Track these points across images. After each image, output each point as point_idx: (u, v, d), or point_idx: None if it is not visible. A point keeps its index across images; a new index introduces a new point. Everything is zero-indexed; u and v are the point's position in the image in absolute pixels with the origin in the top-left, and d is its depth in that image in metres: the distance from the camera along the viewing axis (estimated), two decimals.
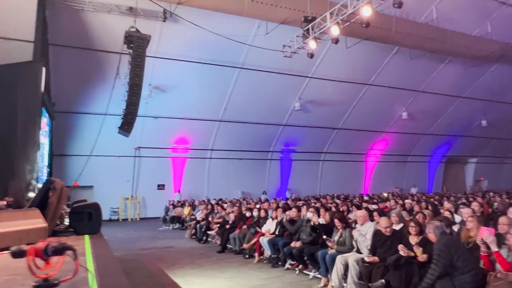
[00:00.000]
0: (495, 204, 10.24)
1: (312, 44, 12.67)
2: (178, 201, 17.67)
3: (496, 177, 29.94)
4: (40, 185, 6.33)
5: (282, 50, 14.46)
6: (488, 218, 6.74)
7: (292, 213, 8.11)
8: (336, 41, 12.02)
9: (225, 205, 13.30)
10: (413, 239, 5.02)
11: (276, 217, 8.63)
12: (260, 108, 18.83)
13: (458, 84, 21.48)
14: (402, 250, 4.76)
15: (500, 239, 4.28)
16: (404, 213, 8.50)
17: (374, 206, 10.05)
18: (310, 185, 22.80)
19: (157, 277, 7.28)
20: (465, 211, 6.52)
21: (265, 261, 8.18)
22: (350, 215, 8.43)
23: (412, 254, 4.68)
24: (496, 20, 17.53)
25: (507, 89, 23.12)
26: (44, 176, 9.82)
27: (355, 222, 6.74)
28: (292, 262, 7.47)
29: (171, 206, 16.99)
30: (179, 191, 19.77)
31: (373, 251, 5.48)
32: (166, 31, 14.51)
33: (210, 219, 11.96)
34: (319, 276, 6.48)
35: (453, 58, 19.12)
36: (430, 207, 9.07)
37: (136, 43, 11.87)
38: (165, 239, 12.34)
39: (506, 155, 30.28)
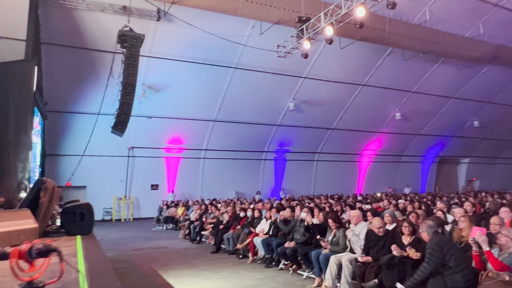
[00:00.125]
0: (487, 204, 10.34)
1: (306, 45, 12.70)
2: (172, 201, 17.60)
3: (488, 177, 30.27)
4: (32, 185, 6.26)
5: (276, 50, 14.48)
6: (480, 218, 6.81)
7: (286, 213, 8.12)
8: (330, 41, 12.06)
9: (219, 205, 13.29)
10: (406, 239, 5.05)
11: (270, 217, 8.64)
12: (254, 108, 18.83)
13: (450, 85, 21.67)
14: (395, 250, 4.78)
15: (492, 239, 4.33)
16: (397, 213, 8.57)
17: (368, 206, 10.09)
18: (304, 185, 22.86)
19: (150, 278, 7.24)
20: (457, 211, 6.57)
21: (259, 261, 8.18)
22: (343, 215, 8.46)
23: (405, 254, 4.70)
24: (488, 21, 17.70)
25: (498, 90, 23.38)
26: (36, 176, 9.72)
27: (349, 222, 6.77)
28: (286, 262, 7.47)
29: (164, 206, 16.92)
30: (172, 191, 19.70)
31: (366, 251, 5.50)
32: (160, 30, 14.45)
33: (204, 219, 11.93)
34: (313, 276, 6.49)
35: (445, 59, 19.28)
36: (423, 207, 9.14)
37: (130, 43, 11.79)
38: (159, 239, 12.29)
39: (498, 155, 30.62)
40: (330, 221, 6.48)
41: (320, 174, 23.58)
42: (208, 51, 15.52)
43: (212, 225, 10.93)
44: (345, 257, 5.70)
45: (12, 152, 6.71)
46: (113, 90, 13.22)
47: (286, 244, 7.19)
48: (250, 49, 15.31)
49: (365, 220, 6.54)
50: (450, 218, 7.20)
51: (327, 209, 9.33)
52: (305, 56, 13.36)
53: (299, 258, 6.98)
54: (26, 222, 3.12)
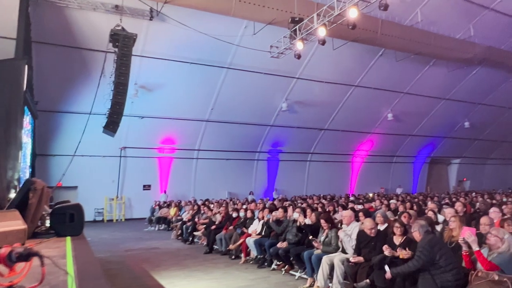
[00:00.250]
0: (477, 204, 10.45)
1: (299, 45, 12.73)
2: (164, 202, 17.52)
3: (478, 178, 30.63)
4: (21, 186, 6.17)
5: (269, 50, 14.49)
6: (471, 218, 6.87)
7: (279, 213, 8.13)
8: (323, 42, 12.10)
9: (211, 206, 13.25)
10: (397, 239, 5.08)
11: (263, 218, 8.63)
12: (247, 108, 18.83)
13: (442, 86, 21.88)
14: (386, 250, 4.80)
15: (482, 239, 4.37)
16: (389, 213, 8.62)
17: (360, 207, 10.13)
18: (297, 186, 22.90)
19: (142, 279, 7.19)
20: (448, 211, 6.63)
21: (251, 262, 8.17)
22: (336, 215, 8.49)
23: (397, 254, 4.73)
24: (478, 23, 17.91)
25: (488, 91, 23.67)
26: (26, 176, 9.59)
27: (341, 222, 6.79)
28: (278, 263, 7.47)
29: (157, 207, 16.83)
30: (165, 192, 19.61)
31: (357, 251, 5.52)
32: (153, 30, 14.38)
33: (196, 220, 11.89)
34: (305, 276, 6.50)
35: (437, 61, 19.46)
36: (415, 207, 9.21)
37: (122, 42, 11.69)
38: (151, 240, 12.22)
39: (488, 156, 30.99)
40: (322, 221, 6.50)
41: (313, 175, 23.65)
42: (201, 51, 15.48)
43: (204, 225, 10.89)
44: (337, 257, 5.71)
45: (1, 152, 6.61)
46: (105, 90, 13.10)
47: (279, 245, 7.20)
48: (243, 50, 15.30)
49: (357, 220, 6.57)
50: (440, 218, 7.26)
51: (319, 209, 9.35)
52: (298, 56, 13.39)
53: (291, 258, 6.99)
54: (15, 223, 3.07)
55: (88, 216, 17.36)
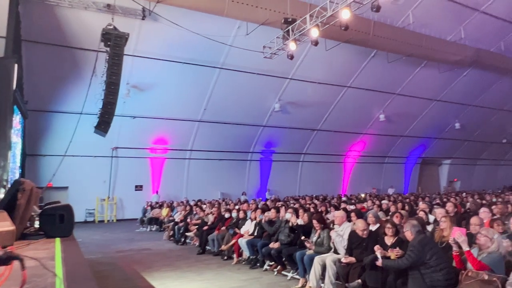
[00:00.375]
0: (468, 204, 10.56)
1: (292, 46, 12.75)
2: (156, 202, 17.42)
3: (468, 178, 30.99)
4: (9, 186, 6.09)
5: (262, 51, 14.49)
6: (461, 218, 6.95)
7: (271, 214, 8.13)
8: (315, 43, 12.13)
9: (204, 206, 13.20)
10: (388, 240, 5.11)
11: (255, 218, 8.63)
12: (240, 108, 18.80)
13: (433, 87, 22.08)
14: (378, 251, 4.82)
15: (472, 239, 4.41)
16: (380, 214, 8.67)
17: (352, 207, 10.18)
18: (290, 186, 22.93)
19: (133, 280, 7.14)
20: (438, 211, 6.68)
21: (243, 263, 8.15)
22: (328, 216, 8.51)
23: (388, 254, 4.75)
24: (469, 26, 18.12)
25: (479, 93, 23.95)
26: (16, 176, 9.47)
27: (333, 222, 6.81)
28: (270, 263, 7.47)
29: (149, 207, 16.73)
30: (157, 192, 19.50)
31: (349, 251, 5.53)
32: (145, 29, 14.29)
33: (188, 220, 11.83)
34: (297, 277, 6.51)
35: (428, 62, 19.63)
36: (406, 207, 9.28)
37: (114, 41, 11.59)
38: (142, 241, 12.14)
39: (478, 156, 31.36)
40: (314, 222, 6.51)
41: (305, 175, 23.70)
42: (194, 51, 15.42)
43: (196, 226, 10.85)
44: (329, 257, 5.73)
45: None
46: (96, 89, 12.99)
47: (271, 245, 7.20)
48: (236, 50, 15.27)
49: (349, 220, 6.59)
50: (431, 218, 7.32)
51: (312, 209, 9.38)
52: (291, 57, 13.41)
53: (283, 259, 6.99)
54: (3, 224, 3.02)
55: (79, 216, 17.18)
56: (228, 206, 12.01)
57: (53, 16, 12.98)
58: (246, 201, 14.84)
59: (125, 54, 12.34)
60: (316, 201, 13.71)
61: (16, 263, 1.56)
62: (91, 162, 17.43)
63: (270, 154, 22.57)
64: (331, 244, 6.11)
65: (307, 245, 6.33)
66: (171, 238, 12.03)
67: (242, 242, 8.11)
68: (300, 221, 7.22)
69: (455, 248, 4.27)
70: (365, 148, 25.30)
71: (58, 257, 2.43)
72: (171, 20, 12.97)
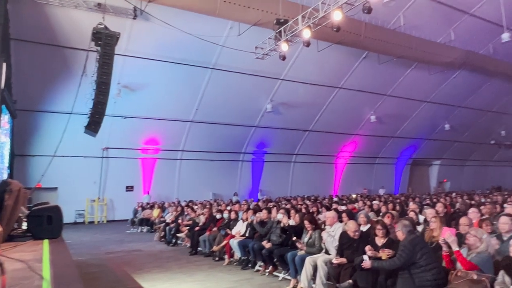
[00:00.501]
0: (457, 204, 10.67)
1: (284, 47, 12.76)
2: (147, 203, 17.30)
3: (457, 179, 31.37)
4: None
5: (254, 51, 14.48)
6: (451, 218, 7.01)
7: (263, 214, 8.12)
8: (307, 44, 12.16)
9: (195, 207, 13.15)
10: (379, 240, 5.13)
11: (247, 219, 8.61)
12: (232, 109, 18.78)
13: (423, 89, 22.31)
14: (369, 251, 4.84)
15: (461, 239, 4.45)
16: (371, 214, 8.72)
17: (343, 207, 10.22)
18: (282, 187, 22.97)
19: (123, 282, 7.07)
20: (429, 212, 6.74)
21: (235, 263, 8.13)
22: (319, 216, 8.53)
23: (379, 255, 4.78)
24: (458, 28, 18.35)
25: (468, 94, 24.27)
26: (4, 177, 9.33)
27: (325, 223, 6.82)
28: (262, 264, 7.45)
29: (139, 208, 16.60)
30: (148, 193, 19.37)
31: (340, 252, 5.55)
32: (136, 29, 14.19)
33: (179, 221, 11.77)
34: (289, 277, 6.50)
35: (419, 64, 19.83)
36: (397, 208, 9.35)
37: (105, 41, 11.48)
38: (133, 242, 12.04)
39: (467, 157, 31.77)
40: (306, 222, 6.51)
41: (297, 176, 23.76)
42: (186, 51, 15.36)
43: (188, 227, 10.80)
44: (320, 258, 5.74)
45: None
46: (86, 89, 12.84)
47: (264, 243, 7.18)
48: (228, 50, 15.25)
49: (341, 221, 6.61)
50: (422, 218, 7.38)
51: (303, 210, 9.40)
52: (283, 58, 13.42)
53: (275, 259, 6.98)
54: None
55: (69, 218, 16.99)
56: (219, 207, 11.99)
57: (43, 15, 12.82)
58: (237, 202, 14.83)
59: (116, 54, 12.24)
60: (307, 202, 13.75)
61: None
62: (81, 162, 17.25)
63: (262, 155, 22.58)
64: (322, 245, 6.12)
65: (299, 245, 6.34)
66: (162, 239, 11.95)
67: (234, 243, 8.09)
68: (291, 222, 7.23)
69: (444, 248, 4.31)
70: (356, 149, 25.46)
71: (46, 259, 2.39)
72: (162, 19, 12.90)
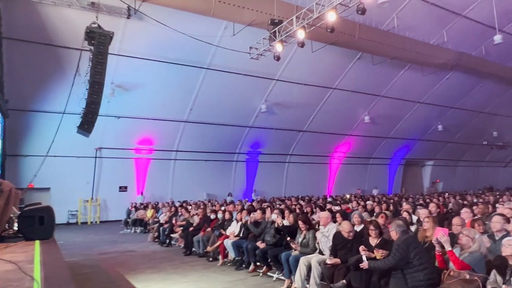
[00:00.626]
0: (450, 204, 10.75)
1: (278, 47, 12.78)
2: (141, 204, 17.21)
3: (450, 179, 31.64)
4: None
5: (249, 52, 14.48)
6: (443, 218, 7.06)
7: (257, 215, 8.11)
8: (302, 44, 12.18)
9: (189, 208, 13.11)
10: (373, 241, 5.15)
11: (241, 219, 8.60)
12: (226, 109, 18.76)
13: (416, 90, 22.46)
14: (363, 252, 4.85)
15: (454, 239, 4.49)
16: (365, 214, 8.76)
17: (337, 208, 10.25)
18: (276, 187, 22.99)
19: (116, 283, 7.02)
20: (422, 212, 6.78)
21: (229, 264, 8.11)
22: (313, 216, 8.54)
23: (373, 255, 4.79)
24: (451, 30, 18.49)
25: (460, 95, 24.48)
26: None
27: (319, 223, 6.83)
28: (254, 264, 7.43)
29: (133, 209, 16.51)
30: (142, 193, 19.27)
31: (333, 252, 5.56)
32: (130, 28, 14.12)
33: (173, 221, 11.72)
34: (283, 278, 6.50)
35: (412, 65, 19.95)
36: (391, 208, 9.40)
37: (98, 40, 11.40)
38: (126, 242, 11.96)
39: (459, 158, 32.05)
40: (300, 222, 6.51)
41: (291, 176, 23.79)
42: (180, 51, 15.32)
43: (181, 227, 10.76)
44: (314, 258, 5.74)
45: None
46: (79, 89, 12.76)
47: (258, 243, 7.17)
48: (223, 50, 15.23)
49: (334, 221, 6.63)
50: (415, 218, 7.42)
51: (297, 210, 9.41)
52: (277, 58, 13.44)
53: (269, 260, 6.97)
54: None
55: (61, 218, 16.86)
56: (214, 207, 11.96)
57: (36, 14, 12.71)
58: (232, 202, 14.81)
59: (110, 53, 12.16)
60: (301, 202, 13.77)
61: None
62: (74, 162, 17.12)
63: (256, 155, 22.58)
64: (316, 245, 6.13)
65: (293, 246, 6.34)
66: (156, 240, 11.89)
67: (228, 243, 8.08)
68: (285, 222, 7.23)
69: (437, 248, 4.34)
70: (350, 149, 25.56)
71: (37, 261, 2.36)
72: (157, 19, 12.84)
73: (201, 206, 12.72)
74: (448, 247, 4.18)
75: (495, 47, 16.61)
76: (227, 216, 9.44)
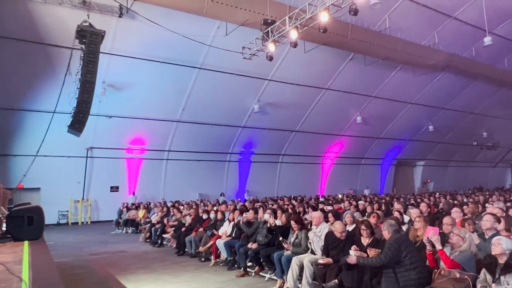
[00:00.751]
0: (440, 204, 10.85)
1: (271, 47, 12.78)
2: (133, 204, 17.09)
3: (441, 179, 31.96)
4: None
5: (242, 52, 14.46)
6: (434, 218, 7.12)
7: (249, 215, 8.10)
8: (294, 45, 12.20)
9: (181, 208, 13.05)
10: (365, 240, 5.18)
11: (233, 219, 8.58)
12: (219, 109, 18.71)
13: (408, 90, 22.64)
14: (355, 251, 4.87)
15: (444, 238, 4.52)
16: (357, 214, 8.80)
17: (329, 207, 10.28)
18: (268, 187, 23.00)
19: (107, 283, 6.97)
20: (413, 212, 6.84)
21: (221, 264, 8.09)
22: (306, 216, 8.56)
23: (365, 255, 4.81)
24: (442, 31, 18.67)
25: (451, 96, 24.73)
26: None
27: (311, 223, 6.84)
28: (248, 264, 7.42)
29: (124, 209, 16.38)
30: (133, 193, 19.15)
31: (326, 252, 5.57)
32: (122, 27, 14.00)
33: (165, 222, 11.66)
34: (275, 277, 6.50)
35: (404, 66, 20.09)
36: (383, 208, 9.46)
37: (89, 39, 11.29)
38: (118, 243, 11.87)
39: (450, 158, 32.38)
40: (292, 222, 6.52)
41: (284, 176, 23.82)
42: (173, 50, 15.24)
43: (173, 227, 10.70)
44: (306, 258, 5.75)
45: None
46: (70, 88, 12.62)
47: (249, 245, 7.16)
48: (215, 50, 15.19)
49: (327, 221, 6.65)
50: (406, 218, 7.48)
51: (290, 210, 9.42)
52: (270, 58, 13.44)
53: (261, 260, 6.97)
54: None
55: (52, 219, 16.67)
56: (206, 207, 11.92)
57: (26, 12, 12.55)
58: (224, 202, 14.79)
59: (101, 52, 12.06)
60: (294, 202, 13.79)
61: None
62: (64, 162, 16.94)
63: (249, 155, 22.56)
64: (309, 245, 6.14)
65: (285, 246, 6.35)
66: (148, 240, 11.82)
67: (220, 243, 8.06)
68: (278, 222, 7.23)
69: (428, 247, 4.37)
70: (343, 150, 25.68)
71: (25, 261, 2.32)
72: (149, 18, 12.77)
73: (193, 206, 12.69)
74: (438, 246, 4.21)
75: (485, 48, 16.79)
76: (219, 216, 9.41)
